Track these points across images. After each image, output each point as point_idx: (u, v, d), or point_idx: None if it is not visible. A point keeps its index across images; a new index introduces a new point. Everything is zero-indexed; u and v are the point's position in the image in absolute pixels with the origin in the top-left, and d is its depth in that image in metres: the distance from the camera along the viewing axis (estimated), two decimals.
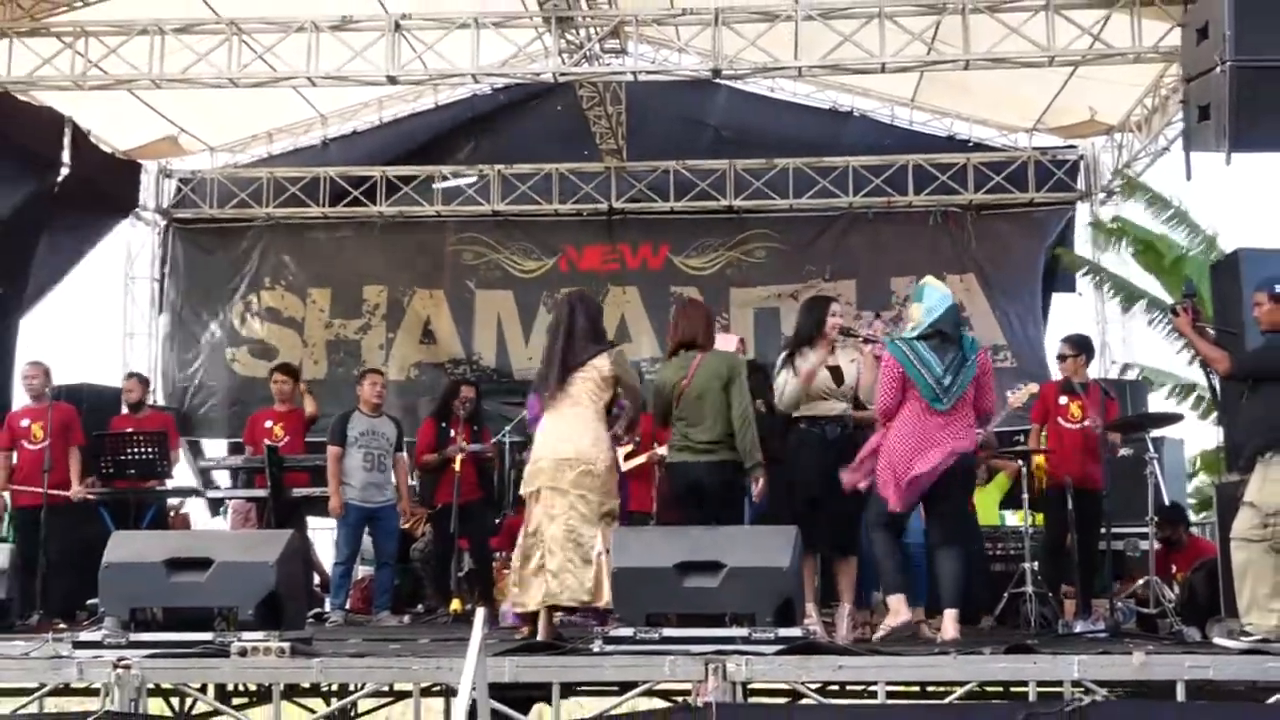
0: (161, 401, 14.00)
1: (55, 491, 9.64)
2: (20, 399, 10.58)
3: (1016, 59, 10.58)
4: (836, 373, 7.53)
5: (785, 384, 7.50)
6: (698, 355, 7.36)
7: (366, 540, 10.10)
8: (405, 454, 10.31)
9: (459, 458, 9.53)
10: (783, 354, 7.70)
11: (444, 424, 10.07)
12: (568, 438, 6.89)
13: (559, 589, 6.71)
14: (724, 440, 7.21)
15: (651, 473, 9.39)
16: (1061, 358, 9.30)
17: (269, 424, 10.45)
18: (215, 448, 14.64)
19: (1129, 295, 13.57)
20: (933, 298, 7.07)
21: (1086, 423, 8.81)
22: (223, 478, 12.15)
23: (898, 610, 6.95)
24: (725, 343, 8.20)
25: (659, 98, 13.94)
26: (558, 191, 14.77)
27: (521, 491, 7.15)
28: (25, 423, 9.98)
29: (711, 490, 7.26)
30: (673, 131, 14.57)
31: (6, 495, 10.23)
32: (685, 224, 14.69)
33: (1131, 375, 13.76)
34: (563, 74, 11.29)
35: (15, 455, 9.92)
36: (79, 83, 11.23)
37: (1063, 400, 9.07)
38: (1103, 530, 8.51)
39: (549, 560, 6.74)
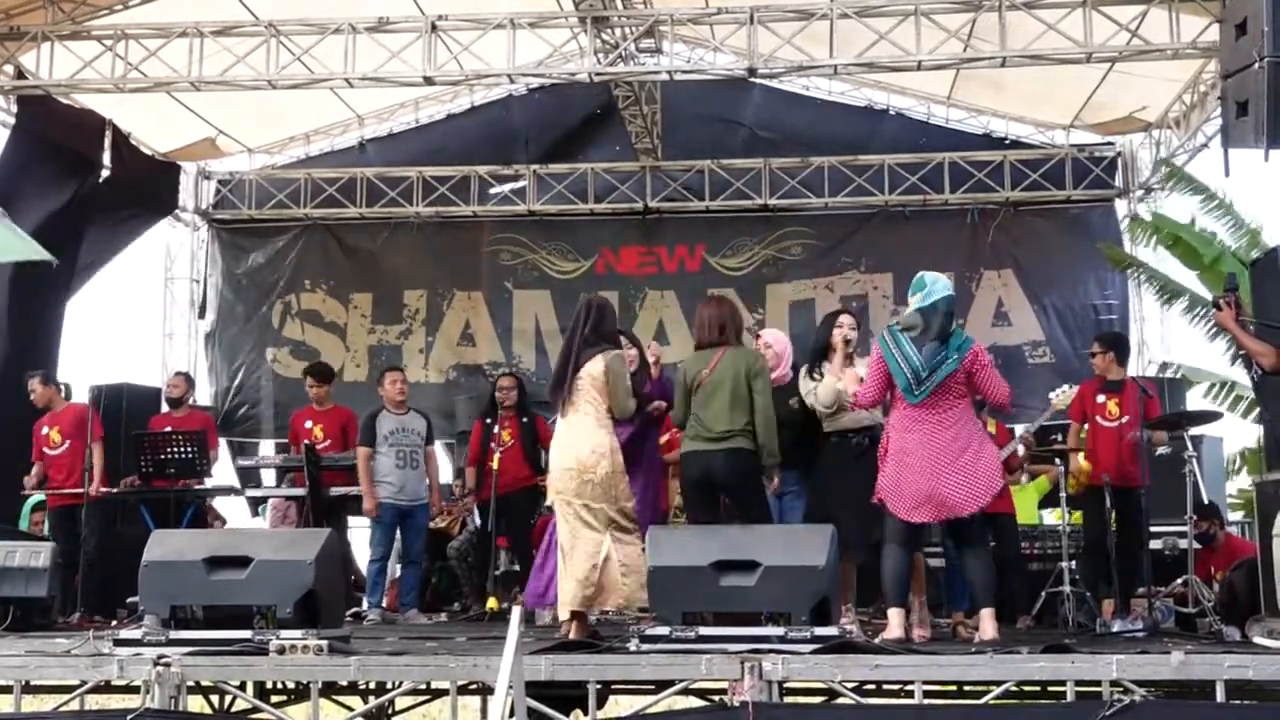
0: (206, 402, 14.05)
1: (74, 490, 9.93)
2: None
3: (1054, 55, 10.50)
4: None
5: (814, 389, 7.45)
6: (722, 349, 7.35)
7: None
8: (435, 448, 10.36)
9: (498, 454, 9.57)
10: (804, 368, 7.64)
11: (489, 420, 10.11)
12: (568, 447, 7.02)
13: (573, 596, 6.89)
14: (740, 430, 7.14)
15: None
16: (1091, 354, 9.36)
17: (309, 424, 10.53)
18: (266, 449, 14.60)
19: (1170, 292, 13.43)
20: (927, 287, 6.94)
21: (1124, 420, 8.77)
22: (265, 476, 12.20)
23: (893, 624, 6.89)
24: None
25: (694, 97, 13.90)
26: (593, 191, 14.75)
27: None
28: (45, 430, 10.23)
29: (727, 481, 7.22)
30: (708, 130, 14.53)
31: (42, 496, 10.49)
32: (720, 223, 14.63)
33: (1170, 374, 13.64)
34: (598, 74, 11.28)
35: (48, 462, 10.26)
36: (119, 85, 11.30)
37: (1100, 399, 9.03)
38: (1144, 529, 8.47)
39: (568, 570, 6.93)
